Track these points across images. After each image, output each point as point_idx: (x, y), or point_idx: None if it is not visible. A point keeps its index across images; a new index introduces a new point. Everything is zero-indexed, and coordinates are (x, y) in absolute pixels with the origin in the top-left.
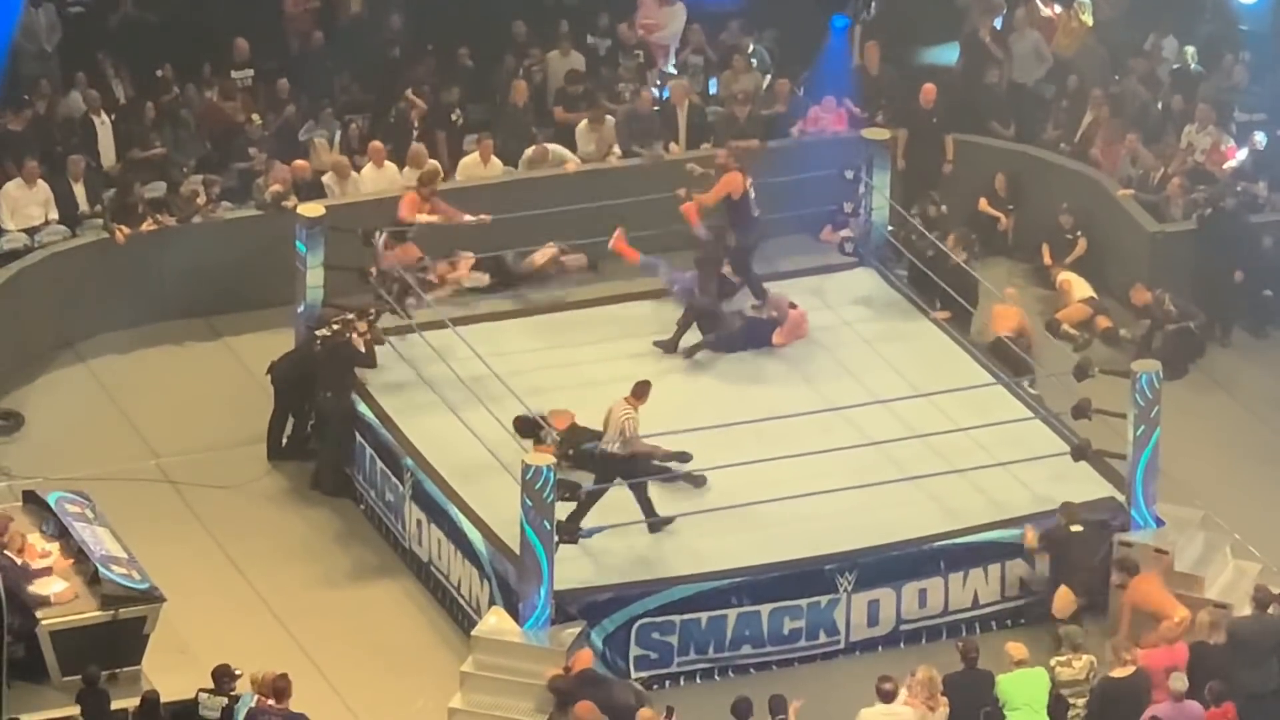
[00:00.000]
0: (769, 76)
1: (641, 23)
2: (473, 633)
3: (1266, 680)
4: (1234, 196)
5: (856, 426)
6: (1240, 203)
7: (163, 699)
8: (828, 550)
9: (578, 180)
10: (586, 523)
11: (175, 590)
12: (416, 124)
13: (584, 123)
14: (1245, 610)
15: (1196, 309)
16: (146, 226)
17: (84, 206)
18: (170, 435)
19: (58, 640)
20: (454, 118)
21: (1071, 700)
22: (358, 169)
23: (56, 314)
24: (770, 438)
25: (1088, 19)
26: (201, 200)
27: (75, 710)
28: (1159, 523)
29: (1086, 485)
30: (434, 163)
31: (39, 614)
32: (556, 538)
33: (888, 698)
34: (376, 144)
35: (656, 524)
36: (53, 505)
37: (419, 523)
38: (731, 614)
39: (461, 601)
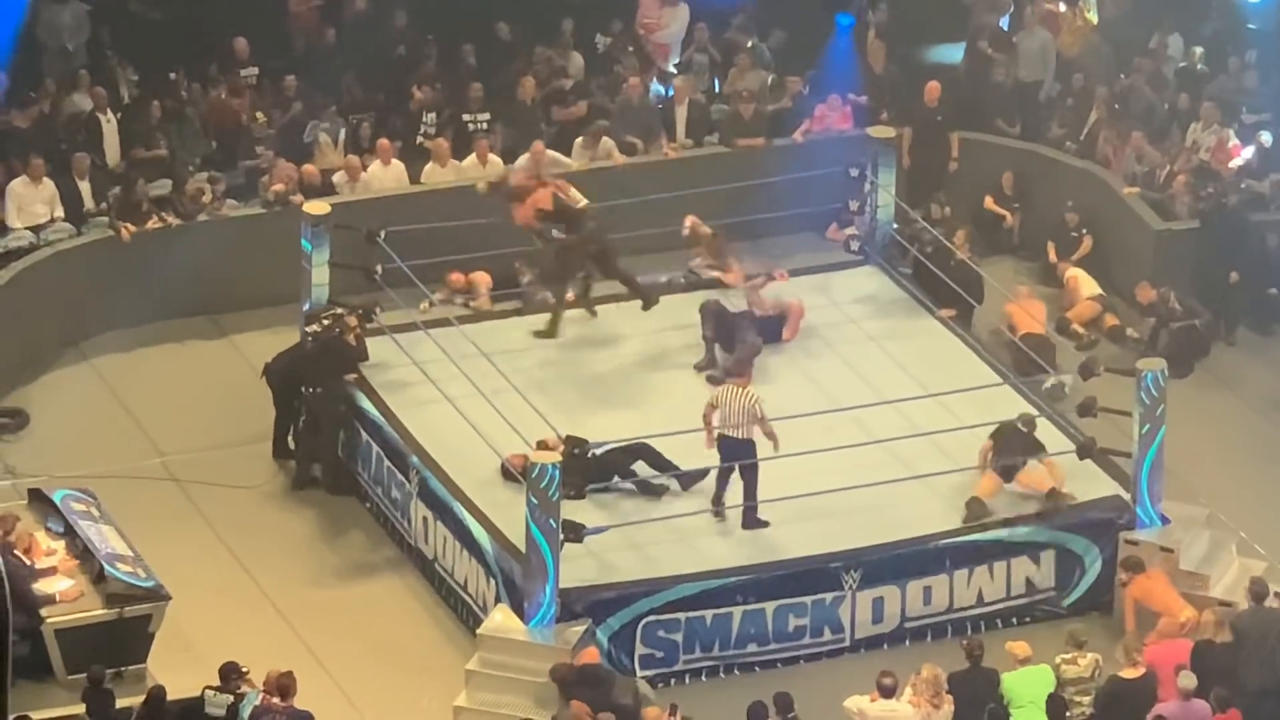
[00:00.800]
0: (771, 74)
1: (642, 22)
2: (478, 630)
3: (1271, 675)
4: (1237, 194)
5: (861, 424)
6: (1243, 200)
7: (169, 696)
8: (833, 548)
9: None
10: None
11: (180, 588)
12: (428, 122)
13: (580, 139)
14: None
15: (1202, 307)
16: (151, 224)
17: (89, 204)
18: (175, 433)
19: (63, 638)
20: (473, 118)
21: (1076, 698)
22: (365, 167)
23: (61, 312)
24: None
25: (1092, 17)
26: (206, 198)
27: (80, 708)
28: (1164, 521)
29: (1092, 483)
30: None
31: (44, 612)
32: (562, 536)
33: (887, 692)
34: (384, 142)
35: (751, 513)
36: (58, 503)
37: (425, 520)
38: (737, 612)
39: (467, 599)
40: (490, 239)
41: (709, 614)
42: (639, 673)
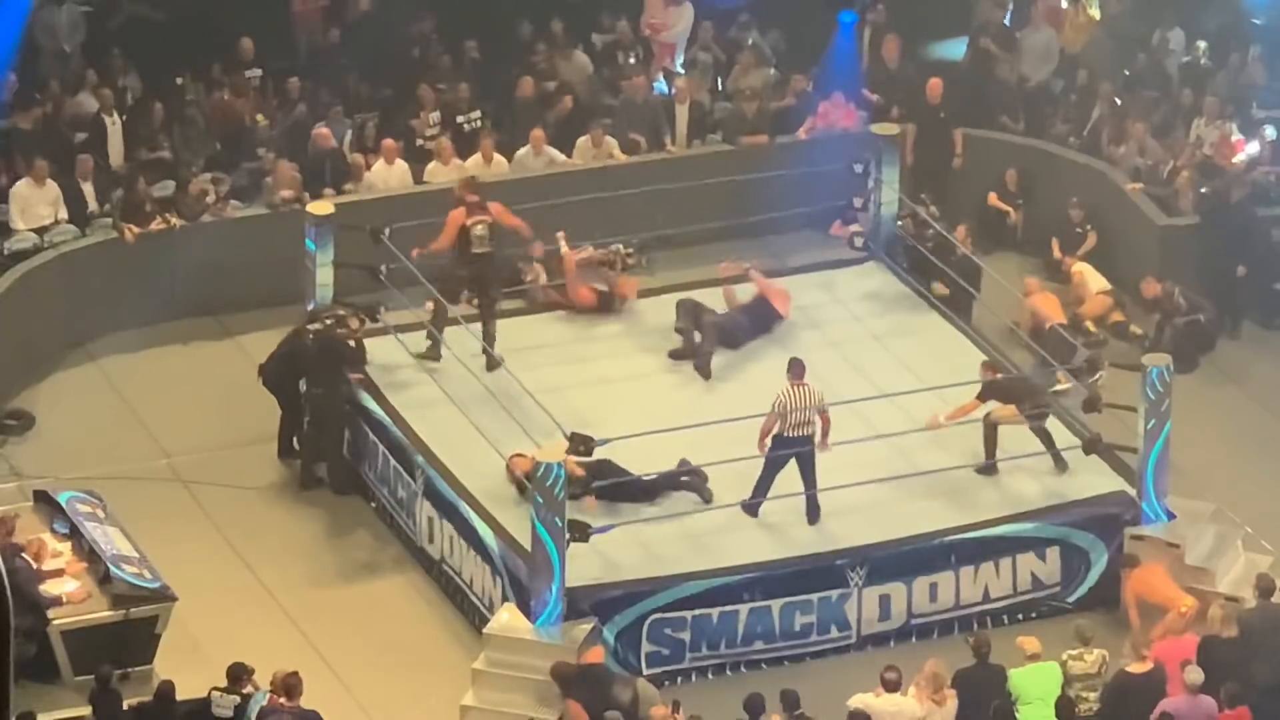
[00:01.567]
0: (772, 68)
1: (649, 22)
2: (485, 630)
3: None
4: (1241, 189)
5: (866, 421)
6: (1247, 195)
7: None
8: (839, 545)
9: (582, 177)
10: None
11: (187, 589)
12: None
13: (584, 139)
14: (1251, 601)
15: (1206, 302)
16: (156, 225)
17: (93, 206)
18: (181, 434)
19: (69, 640)
20: (466, 118)
21: (1083, 694)
22: (369, 167)
23: (66, 313)
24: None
25: (1095, 13)
26: (210, 199)
27: (87, 710)
28: (1170, 516)
29: (1097, 479)
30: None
31: (51, 614)
32: (568, 535)
33: (892, 687)
34: (389, 141)
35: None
36: (64, 505)
37: (431, 520)
38: (743, 609)
39: (473, 599)
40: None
41: (715, 612)
42: (645, 670)
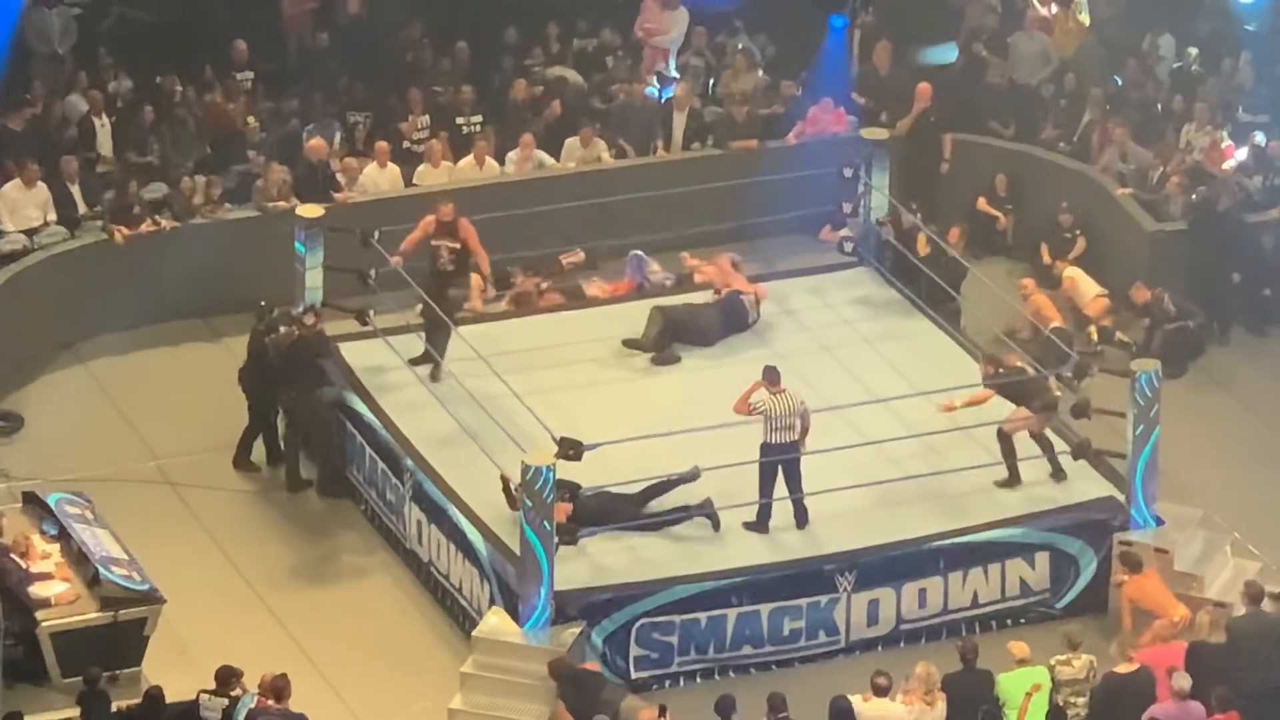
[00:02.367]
0: (760, 71)
1: (643, 26)
2: (473, 633)
3: (1267, 679)
4: (1230, 195)
5: (855, 426)
6: (1235, 202)
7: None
8: (827, 550)
9: (574, 181)
10: None
11: (175, 591)
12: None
13: (573, 139)
14: (1240, 608)
15: (1195, 308)
16: (145, 228)
17: (82, 208)
18: (170, 436)
19: (58, 642)
20: (466, 120)
21: (1071, 699)
22: (360, 169)
23: (56, 315)
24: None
25: (1085, 18)
26: (200, 201)
27: (75, 712)
28: (1159, 522)
29: (1086, 484)
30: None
31: (39, 615)
32: (556, 538)
33: (881, 692)
34: (381, 144)
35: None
36: (53, 507)
37: (419, 523)
38: (731, 614)
39: (462, 602)
40: (484, 240)
41: (704, 616)
42: (634, 674)
